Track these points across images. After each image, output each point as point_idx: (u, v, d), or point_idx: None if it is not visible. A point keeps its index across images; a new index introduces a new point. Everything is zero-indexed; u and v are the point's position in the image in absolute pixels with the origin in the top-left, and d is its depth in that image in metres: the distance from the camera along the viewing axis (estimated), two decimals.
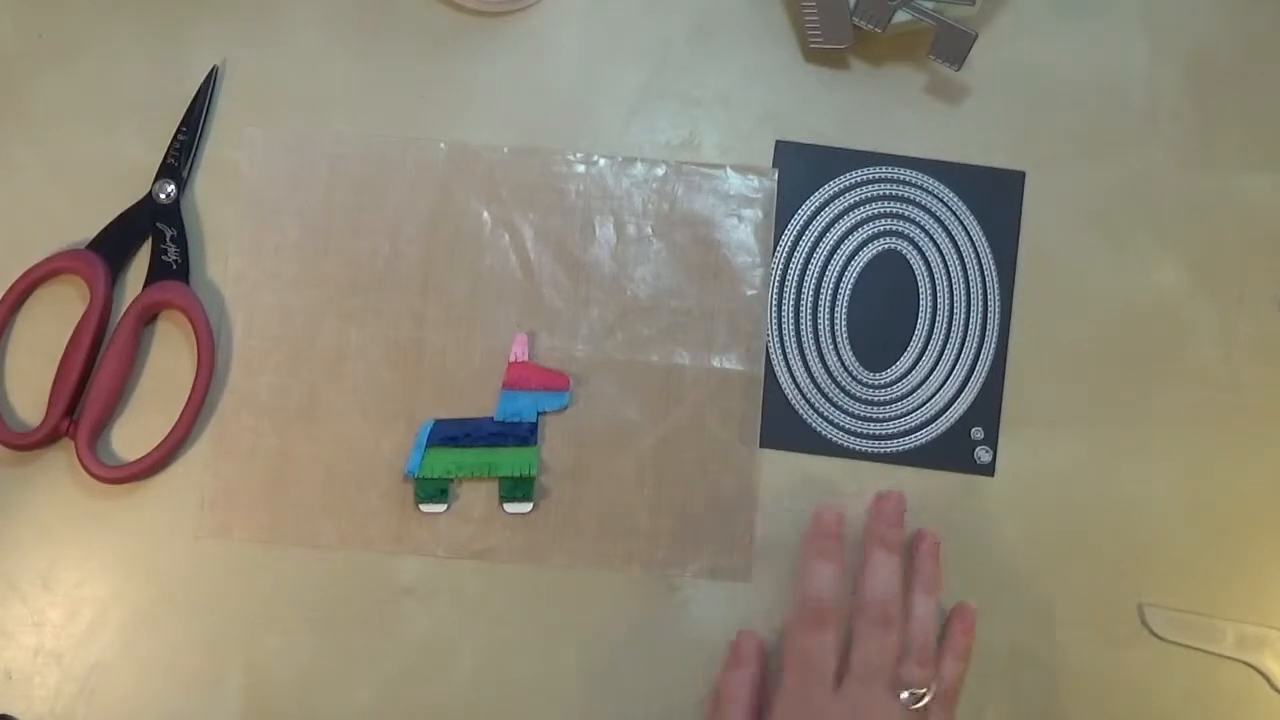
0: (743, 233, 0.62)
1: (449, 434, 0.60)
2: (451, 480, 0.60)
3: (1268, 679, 0.59)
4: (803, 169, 0.62)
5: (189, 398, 0.59)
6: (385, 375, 0.61)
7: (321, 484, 0.60)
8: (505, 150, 0.62)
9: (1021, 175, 0.62)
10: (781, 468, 0.61)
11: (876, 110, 0.64)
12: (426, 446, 0.59)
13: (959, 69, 0.62)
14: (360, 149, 0.62)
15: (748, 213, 0.62)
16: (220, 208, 0.62)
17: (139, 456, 0.59)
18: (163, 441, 0.59)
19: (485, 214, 0.62)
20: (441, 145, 0.62)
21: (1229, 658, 0.59)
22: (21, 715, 0.57)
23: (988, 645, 0.59)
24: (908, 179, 0.62)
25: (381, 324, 0.61)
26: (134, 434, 0.60)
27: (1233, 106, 0.64)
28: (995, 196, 0.62)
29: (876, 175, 0.61)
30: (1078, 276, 0.63)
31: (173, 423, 0.59)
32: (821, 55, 0.64)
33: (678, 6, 0.64)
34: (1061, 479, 0.61)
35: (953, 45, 0.61)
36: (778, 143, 0.62)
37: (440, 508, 0.60)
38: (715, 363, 0.61)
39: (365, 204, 0.62)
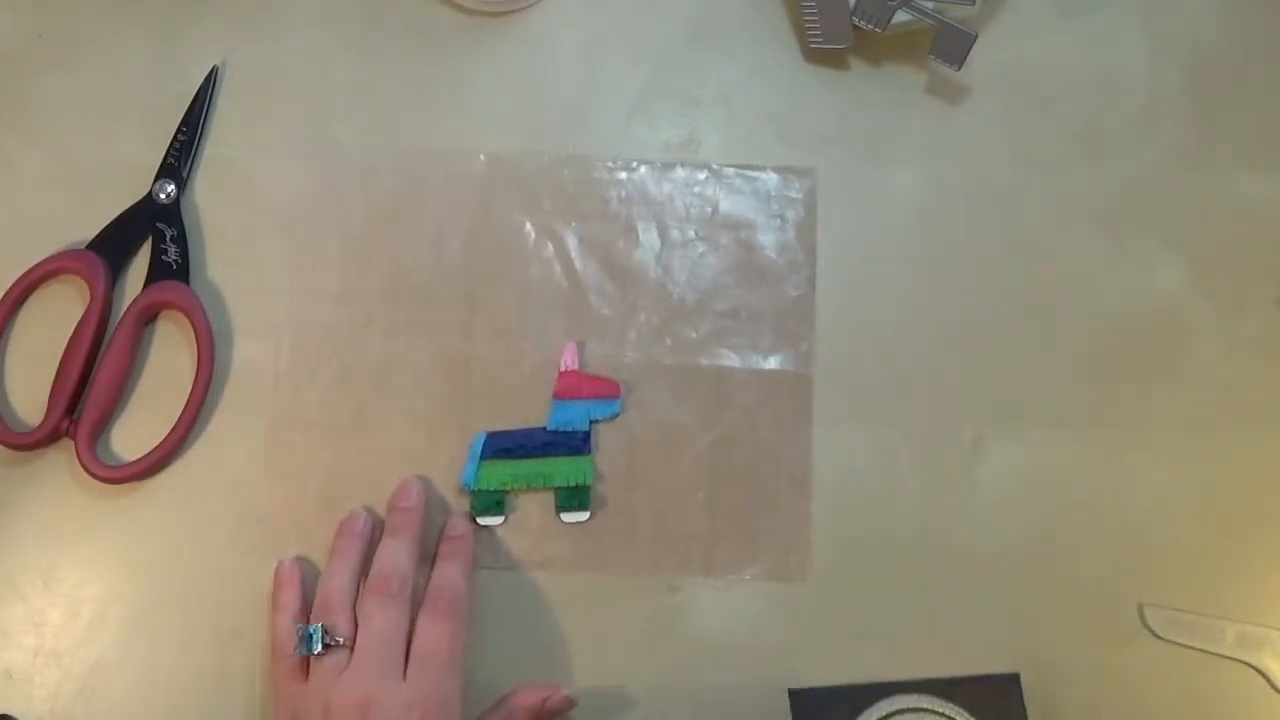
0: (785, 234, 0.62)
1: (503, 446, 0.59)
2: (507, 492, 0.60)
3: (1268, 679, 0.59)
4: None
5: (189, 398, 0.59)
6: (435, 388, 0.60)
7: (376, 500, 0.59)
8: (545, 159, 0.62)
9: (1016, 678, 0.57)
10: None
11: (876, 110, 0.64)
12: (481, 459, 0.59)
13: (959, 69, 0.62)
14: (396, 161, 0.62)
15: (790, 213, 0.62)
16: (221, 208, 0.62)
17: (139, 456, 0.59)
18: (163, 441, 0.59)
19: (527, 224, 0.62)
20: (481, 156, 0.62)
21: (1229, 658, 0.59)
22: (21, 715, 0.57)
23: (988, 644, 0.59)
24: (920, 706, 0.57)
25: (428, 337, 0.61)
26: (134, 434, 0.60)
27: (1233, 106, 0.64)
28: (997, 705, 0.57)
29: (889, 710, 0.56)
30: (1078, 276, 0.63)
31: (173, 423, 0.59)
32: (821, 55, 0.64)
33: (678, 6, 0.64)
34: (1062, 479, 0.61)
35: (953, 45, 0.61)
36: (791, 691, 0.57)
37: (498, 520, 0.59)
38: (763, 364, 0.61)
39: (405, 216, 0.62)
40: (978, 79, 0.64)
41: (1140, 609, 0.60)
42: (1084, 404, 0.62)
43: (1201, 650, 0.59)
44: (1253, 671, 0.59)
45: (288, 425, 0.60)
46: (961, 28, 0.60)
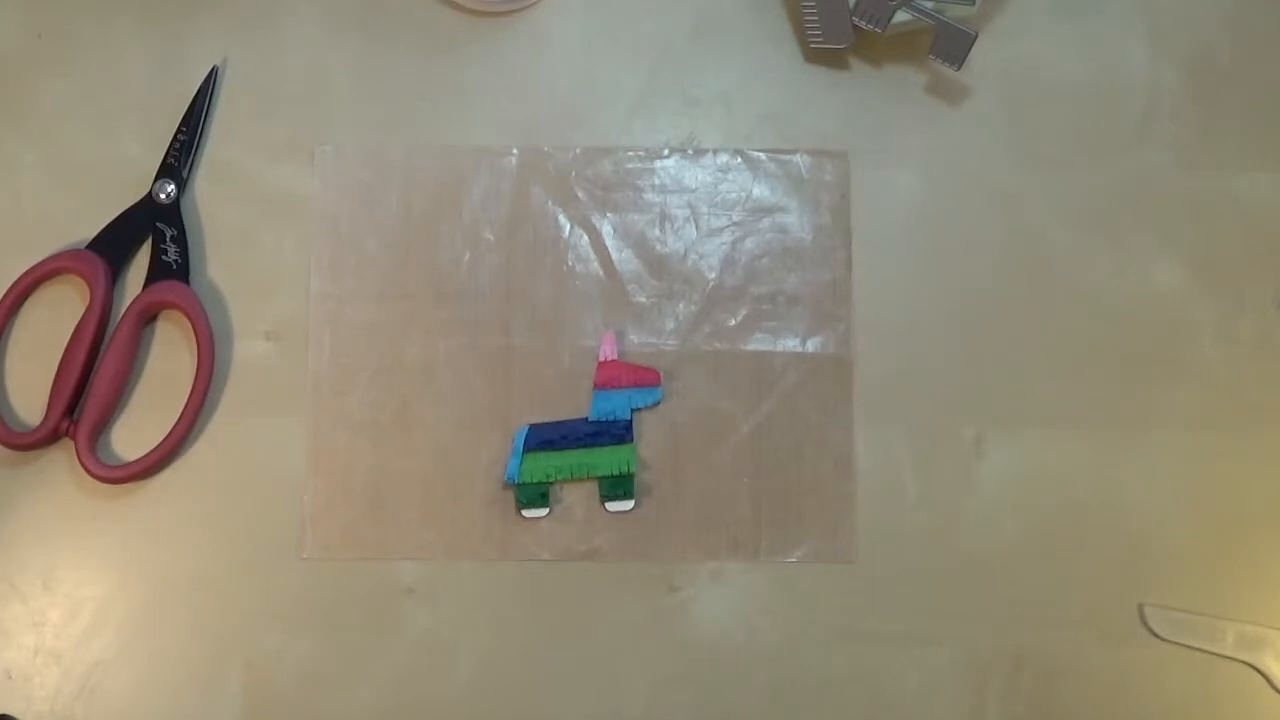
0: (820, 216, 0.62)
1: (545, 438, 0.60)
2: (551, 484, 0.60)
3: (1268, 679, 0.59)
4: None
5: (189, 398, 0.59)
6: (476, 384, 0.61)
7: (421, 497, 0.60)
8: (577, 151, 0.63)
9: None
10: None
11: (876, 110, 0.64)
12: (524, 452, 0.59)
13: (959, 69, 0.62)
14: (432, 160, 0.62)
15: (824, 196, 0.63)
16: (221, 208, 0.62)
17: (139, 456, 0.59)
18: (163, 441, 0.59)
19: (562, 216, 0.62)
20: (514, 150, 0.62)
21: (1229, 658, 0.59)
22: (21, 715, 0.57)
23: (988, 645, 0.59)
24: None
25: (468, 333, 0.61)
26: (134, 434, 0.60)
27: (1233, 106, 0.64)
28: None
29: None
30: (1078, 276, 0.63)
31: (173, 423, 0.59)
32: (821, 55, 0.64)
33: (678, 6, 0.64)
34: (1062, 479, 0.61)
35: (953, 45, 0.61)
36: None
37: (542, 512, 0.59)
38: (802, 347, 0.61)
39: (442, 215, 0.62)
40: (978, 79, 0.64)
41: (1140, 609, 0.60)
42: (1084, 404, 0.62)
43: (1201, 650, 0.59)
44: (1253, 671, 0.59)
45: (330, 425, 0.60)
46: (961, 28, 0.60)
